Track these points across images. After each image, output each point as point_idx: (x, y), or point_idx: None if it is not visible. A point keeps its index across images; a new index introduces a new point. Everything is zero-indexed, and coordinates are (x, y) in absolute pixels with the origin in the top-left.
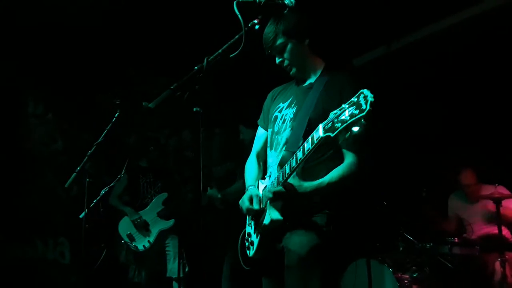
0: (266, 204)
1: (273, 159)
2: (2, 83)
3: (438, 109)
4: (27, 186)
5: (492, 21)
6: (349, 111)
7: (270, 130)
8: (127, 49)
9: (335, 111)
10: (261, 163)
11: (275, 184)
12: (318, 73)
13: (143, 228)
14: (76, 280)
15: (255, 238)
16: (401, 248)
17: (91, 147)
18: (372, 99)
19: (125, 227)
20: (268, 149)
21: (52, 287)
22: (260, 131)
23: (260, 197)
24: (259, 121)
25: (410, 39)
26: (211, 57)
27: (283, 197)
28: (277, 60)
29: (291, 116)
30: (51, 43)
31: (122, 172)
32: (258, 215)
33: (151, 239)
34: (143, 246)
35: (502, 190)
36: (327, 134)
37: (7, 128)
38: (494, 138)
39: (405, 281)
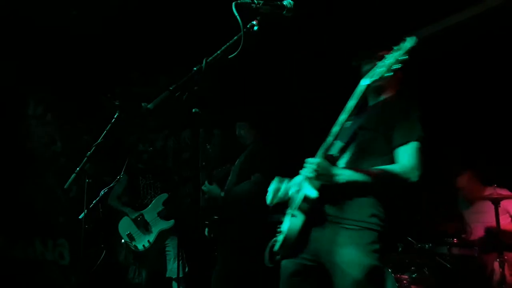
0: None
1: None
2: (2, 84)
3: (437, 109)
4: (26, 187)
5: (491, 21)
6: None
7: (330, 138)
8: (127, 50)
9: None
10: None
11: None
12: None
13: (144, 227)
14: (76, 280)
15: (285, 225)
16: (400, 249)
17: (91, 148)
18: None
19: (125, 226)
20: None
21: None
22: None
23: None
24: None
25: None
26: (210, 58)
27: (323, 168)
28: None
29: (348, 125)
30: (51, 44)
31: (122, 173)
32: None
33: (151, 239)
34: (143, 246)
35: (502, 191)
36: (372, 79)
37: (6, 129)
38: (495, 139)
39: (404, 281)
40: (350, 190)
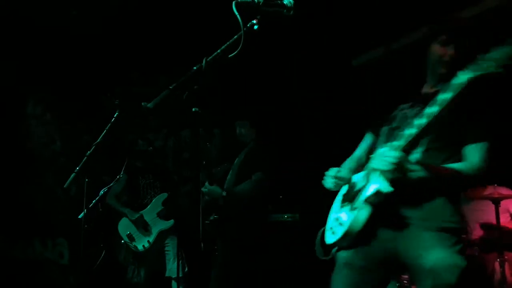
0: (369, 177)
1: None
2: (2, 83)
3: None
4: (26, 186)
5: (490, 21)
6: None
7: (387, 128)
8: (127, 50)
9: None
10: (357, 163)
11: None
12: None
13: (143, 227)
14: (75, 280)
15: (347, 217)
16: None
17: (90, 147)
18: None
19: (124, 227)
20: (381, 143)
21: (51, 287)
22: (369, 137)
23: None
24: (370, 127)
25: (409, 39)
26: (210, 57)
27: (401, 162)
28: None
29: (416, 112)
30: (51, 44)
31: (121, 173)
32: (352, 196)
33: (151, 239)
34: (143, 246)
35: (502, 190)
36: (476, 73)
37: (6, 129)
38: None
39: (405, 281)
40: (425, 187)
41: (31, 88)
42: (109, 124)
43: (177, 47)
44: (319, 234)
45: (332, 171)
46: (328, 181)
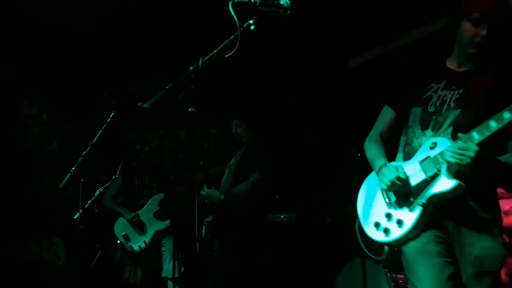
0: (434, 171)
1: (426, 138)
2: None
3: None
4: (22, 186)
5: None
6: None
7: (419, 109)
8: (123, 49)
9: None
10: (382, 144)
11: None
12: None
13: (139, 228)
14: (71, 280)
15: (407, 215)
16: (395, 248)
17: (86, 147)
18: None
19: (120, 227)
20: (417, 128)
21: None
22: (386, 109)
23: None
24: (390, 101)
25: (407, 39)
26: (207, 57)
27: (478, 157)
28: (484, 29)
29: (456, 96)
30: (47, 44)
31: (117, 173)
32: (407, 190)
33: (147, 239)
34: (139, 246)
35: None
36: None
37: (2, 128)
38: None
39: (400, 281)
40: (489, 181)
41: (27, 88)
42: (105, 124)
43: (174, 47)
44: (357, 227)
45: (393, 172)
46: (396, 185)
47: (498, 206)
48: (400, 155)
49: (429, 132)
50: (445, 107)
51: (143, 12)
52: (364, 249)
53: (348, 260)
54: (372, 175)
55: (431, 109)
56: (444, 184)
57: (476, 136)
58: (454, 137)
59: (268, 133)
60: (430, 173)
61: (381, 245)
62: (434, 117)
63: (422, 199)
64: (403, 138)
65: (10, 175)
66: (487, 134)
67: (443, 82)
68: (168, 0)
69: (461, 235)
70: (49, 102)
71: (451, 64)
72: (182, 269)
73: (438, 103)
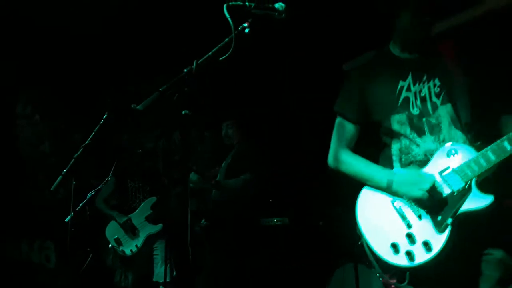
0: (461, 185)
1: (434, 144)
2: None
3: None
4: (14, 187)
5: (486, 24)
6: None
7: (402, 115)
8: (118, 50)
9: None
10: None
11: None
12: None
13: (131, 231)
14: (62, 284)
15: (434, 236)
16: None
17: (79, 149)
18: None
19: (112, 231)
20: (413, 135)
21: None
22: (345, 122)
23: (442, 180)
24: (345, 112)
25: None
26: (201, 60)
27: None
28: (428, 20)
29: (436, 90)
30: (40, 44)
31: (110, 176)
32: (435, 203)
33: (139, 243)
34: (131, 250)
35: None
36: None
37: None
38: None
39: (392, 286)
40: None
41: (21, 88)
42: (98, 126)
43: (174, 47)
44: (367, 250)
45: (422, 191)
46: (428, 198)
47: None
48: (397, 165)
49: (428, 137)
50: (429, 104)
51: (140, 13)
52: (383, 275)
53: (340, 264)
54: (368, 190)
55: (415, 111)
56: (476, 201)
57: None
58: (474, 138)
59: (262, 135)
60: (458, 187)
61: (401, 269)
62: (424, 119)
63: (452, 216)
64: (395, 147)
65: (3, 176)
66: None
67: (408, 77)
68: (167, 1)
69: (482, 243)
70: (42, 103)
71: (399, 52)
72: (174, 273)
73: (418, 102)
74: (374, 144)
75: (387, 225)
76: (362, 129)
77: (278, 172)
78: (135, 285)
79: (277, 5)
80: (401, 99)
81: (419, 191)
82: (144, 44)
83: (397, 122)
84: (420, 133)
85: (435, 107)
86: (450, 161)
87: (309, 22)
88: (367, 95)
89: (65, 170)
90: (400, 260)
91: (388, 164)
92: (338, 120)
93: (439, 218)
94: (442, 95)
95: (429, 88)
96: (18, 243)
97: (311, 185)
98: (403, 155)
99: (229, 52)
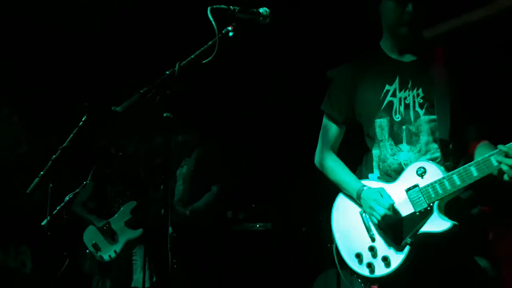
0: (424, 207)
1: (409, 154)
2: None
3: None
4: None
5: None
6: None
7: (384, 120)
8: (98, 52)
9: None
10: (341, 160)
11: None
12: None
13: (110, 236)
14: None
15: (391, 253)
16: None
17: (56, 151)
18: None
19: (90, 236)
20: (390, 142)
21: None
22: (331, 123)
23: (405, 199)
24: (331, 113)
25: None
26: (183, 62)
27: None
28: (410, 7)
29: (420, 101)
30: (18, 43)
31: (88, 179)
32: (394, 222)
33: (118, 248)
34: (109, 256)
35: None
36: None
37: None
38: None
39: None
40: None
41: None
42: (76, 128)
43: (150, 51)
44: (335, 254)
45: (384, 204)
46: (388, 219)
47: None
48: (376, 172)
49: (404, 146)
50: (412, 113)
51: (123, 15)
52: (346, 281)
53: (323, 269)
54: (344, 197)
55: (397, 118)
56: (436, 224)
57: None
58: (445, 156)
59: (245, 139)
60: (419, 208)
61: (367, 279)
62: (404, 127)
63: (412, 237)
64: (375, 153)
65: None
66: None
67: (395, 81)
68: (146, 4)
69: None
70: (20, 104)
71: (389, 51)
72: (154, 279)
73: (402, 109)
74: (360, 146)
75: (355, 234)
76: (348, 129)
77: (261, 177)
78: None
79: (261, 10)
80: (384, 104)
81: (379, 209)
82: (145, 43)
83: (378, 126)
84: (397, 141)
85: (417, 116)
86: (418, 179)
87: (300, 25)
88: (353, 95)
89: (42, 173)
90: (363, 270)
91: (370, 168)
92: (324, 120)
93: (399, 236)
94: (425, 106)
95: (413, 97)
96: None
97: (295, 191)
98: (380, 162)
99: (213, 55)
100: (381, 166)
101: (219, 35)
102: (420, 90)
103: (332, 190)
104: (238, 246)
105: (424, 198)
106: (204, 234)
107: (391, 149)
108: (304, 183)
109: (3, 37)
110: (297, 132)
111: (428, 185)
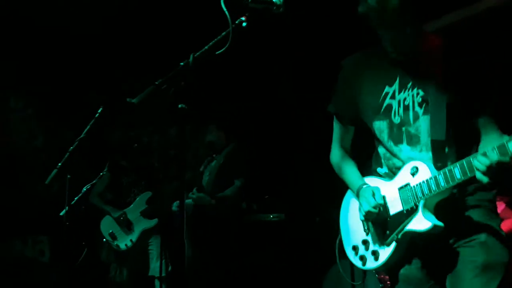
0: (411, 205)
1: (410, 153)
2: None
3: None
4: (6, 183)
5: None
6: None
7: (383, 122)
8: (113, 44)
9: None
10: (351, 158)
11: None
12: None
13: (126, 226)
14: (56, 278)
15: (380, 247)
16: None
17: (73, 143)
18: None
19: (107, 225)
20: (390, 143)
21: (31, 286)
22: (337, 122)
23: (394, 197)
24: (336, 112)
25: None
26: (197, 54)
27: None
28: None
29: (419, 100)
30: (33, 38)
31: (104, 170)
32: (384, 219)
33: (134, 238)
34: (125, 245)
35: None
36: None
37: None
38: None
39: (388, 282)
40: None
41: (13, 82)
42: (93, 120)
43: (164, 43)
44: (337, 246)
45: (370, 200)
46: (372, 215)
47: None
48: (384, 168)
49: (405, 146)
50: (411, 114)
51: (136, 7)
52: (341, 271)
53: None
54: (351, 191)
55: (396, 120)
56: (420, 223)
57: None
58: (436, 156)
59: (259, 133)
60: (407, 207)
61: (360, 269)
62: (403, 128)
63: (397, 234)
64: (381, 151)
65: None
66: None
67: (395, 82)
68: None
69: (459, 236)
70: (35, 97)
71: (390, 50)
72: (170, 268)
73: (401, 111)
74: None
75: (354, 227)
76: (358, 128)
77: (275, 168)
78: (129, 280)
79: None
80: (384, 106)
81: (365, 206)
82: (135, 38)
83: (377, 128)
84: (397, 142)
85: (416, 117)
86: (410, 179)
87: (308, 21)
88: (355, 96)
89: (60, 164)
90: (357, 262)
91: (378, 164)
92: (334, 119)
93: (387, 232)
94: (424, 105)
95: (412, 96)
96: (10, 240)
97: (308, 181)
98: (386, 160)
99: (226, 46)
100: (387, 163)
101: (233, 25)
102: (420, 89)
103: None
104: (251, 237)
105: (412, 197)
106: (224, 227)
107: (392, 150)
108: (317, 174)
109: (3, 37)
110: (313, 124)
111: (417, 185)
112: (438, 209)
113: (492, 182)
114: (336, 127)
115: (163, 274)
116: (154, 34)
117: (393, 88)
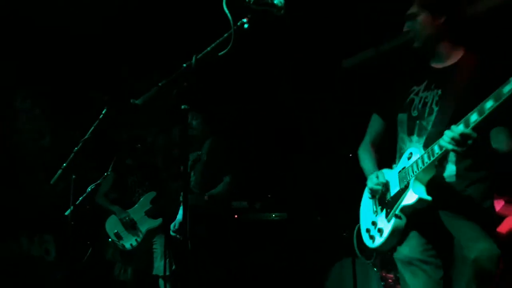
0: (404, 184)
1: (414, 143)
2: None
3: None
4: (13, 182)
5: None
6: None
7: (404, 115)
8: (118, 46)
9: None
10: (374, 153)
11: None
12: (456, 56)
13: (131, 226)
14: (62, 277)
15: (385, 225)
16: (389, 253)
17: (78, 143)
18: None
19: (112, 225)
20: (405, 135)
21: (37, 284)
22: (377, 119)
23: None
24: (377, 110)
25: (399, 41)
26: (200, 55)
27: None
28: (405, 27)
29: (437, 99)
30: (40, 38)
31: (109, 170)
32: (387, 200)
33: (139, 238)
34: (131, 245)
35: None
36: None
37: None
38: None
39: (390, 280)
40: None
41: (20, 82)
42: (97, 121)
43: (168, 44)
44: (355, 231)
45: (373, 180)
46: (375, 192)
47: (493, 205)
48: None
49: (414, 138)
50: (427, 110)
51: (141, 8)
52: (357, 250)
53: (338, 259)
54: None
55: (414, 113)
56: (410, 197)
57: (473, 118)
58: (427, 143)
59: (261, 133)
60: (402, 185)
61: (371, 249)
62: (417, 121)
63: (395, 210)
64: (398, 147)
65: (1, 171)
66: (485, 113)
67: (423, 84)
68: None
69: (456, 238)
70: (42, 97)
71: (433, 63)
72: (174, 267)
73: (420, 106)
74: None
75: (368, 213)
76: (389, 125)
77: (277, 168)
78: (134, 278)
79: (276, 1)
80: (407, 100)
81: (370, 183)
82: (140, 40)
83: (399, 120)
84: (410, 133)
85: (430, 113)
86: (406, 163)
87: (308, 19)
88: (393, 95)
89: (65, 164)
90: (368, 242)
91: (399, 156)
92: (372, 117)
93: (389, 210)
94: (439, 103)
95: (433, 96)
96: (17, 238)
97: (310, 181)
98: (399, 153)
99: (228, 47)
100: (400, 155)
101: (235, 27)
102: (439, 90)
103: (347, 180)
104: (254, 236)
105: (407, 177)
106: (219, 225)
107: (405, 140)
108: (319, 174)
109: (12, 38)
110: (317, 123)
111: (409, 165)
112: (429, 186)
113: (462, 153)
114: (371, 124)
115: (167, 273)
116: (157, 36)
117: (419, 87)
